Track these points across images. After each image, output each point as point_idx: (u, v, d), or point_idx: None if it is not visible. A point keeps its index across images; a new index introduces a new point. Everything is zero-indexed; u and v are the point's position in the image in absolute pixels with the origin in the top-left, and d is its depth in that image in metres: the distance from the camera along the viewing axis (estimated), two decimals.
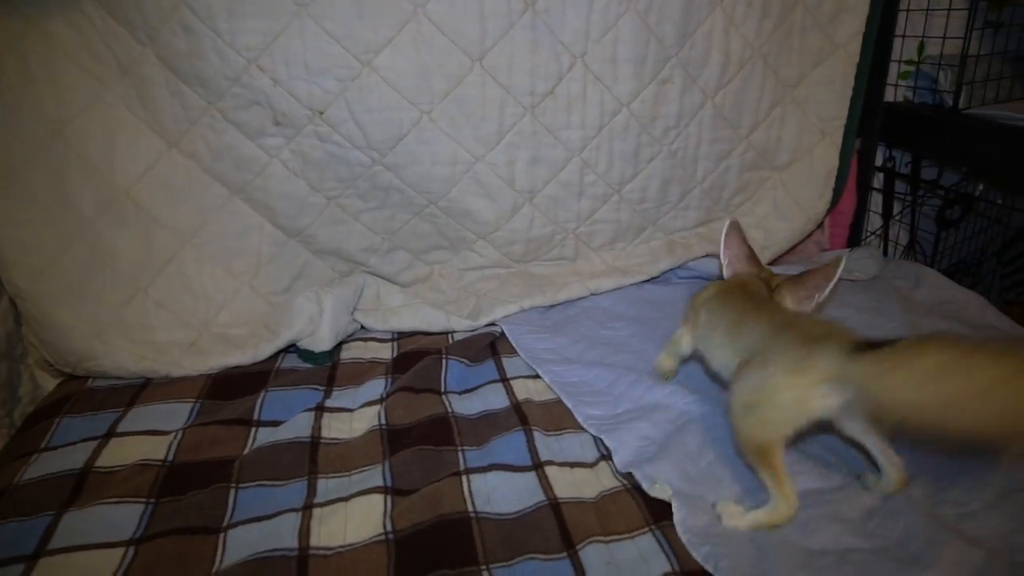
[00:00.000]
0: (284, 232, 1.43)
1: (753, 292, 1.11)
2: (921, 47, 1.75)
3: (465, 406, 1.22)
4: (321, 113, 1.33)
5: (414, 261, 1.54)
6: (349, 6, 1.27)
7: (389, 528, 0.94)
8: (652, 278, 1.63)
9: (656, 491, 0.97)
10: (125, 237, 1.32)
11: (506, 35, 1.36)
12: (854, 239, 1.87)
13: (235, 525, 0.95)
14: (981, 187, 1.88)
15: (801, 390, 0.90)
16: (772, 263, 1.73)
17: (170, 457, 1.09)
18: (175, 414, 1.21)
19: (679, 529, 0.92)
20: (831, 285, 1.08)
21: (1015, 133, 1.49)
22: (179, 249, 1.38)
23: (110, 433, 1.14)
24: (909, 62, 1.77)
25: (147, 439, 1.14)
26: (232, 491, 1.02)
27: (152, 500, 1.00)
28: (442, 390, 1.26)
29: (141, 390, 1.27)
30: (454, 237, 1.52)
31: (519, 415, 1.18)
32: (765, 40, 1.56)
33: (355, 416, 1.20)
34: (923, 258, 1.92)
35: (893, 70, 1.76)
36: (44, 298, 1.24)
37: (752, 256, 1.18)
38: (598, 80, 1.45)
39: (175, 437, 1.13)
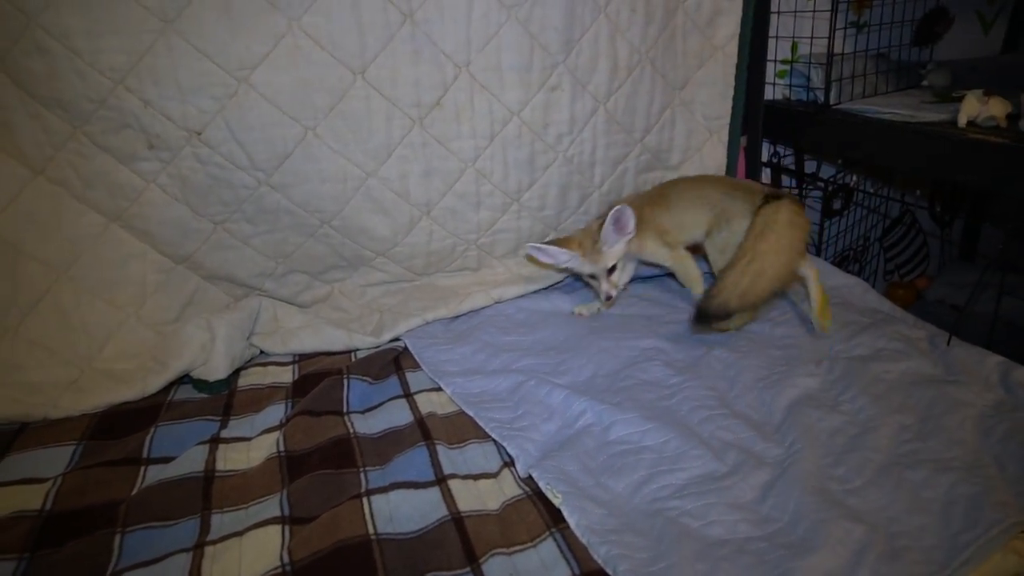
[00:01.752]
0: (170, 259, 1.37)
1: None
2: (795, 47, 1.85)
3: (368, 425, 1.20)
4: (199, 134, 1.27)
5: (312, 282, 1.50)
6: (218, 22, 1.22)
7: (286, 560, 0.91)
8: (556, 283, 1.65)
9: (549, 495, 0.98)
10: None
11: (387, 47, 1.34)
12: None
13: (120, 572, 0.90)
14: (855, 178, 2.00)
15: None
16: None
17: (48, 506, 1.02)
18: (54, 459, 1.13)
19: (576, 532, 0.93)
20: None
21: (880, 125, 1.59)
22: (53, 283, 1.30)
23: None
24: (785, 61, 1.86)
25: (21, 489, 1.06)
26: (118, 536, 0.96)
27: (26, 555, 0.93)
28: (344, 410, 1.24)
29: (16, 436, 1.19)
30: (351, 256, 1.49)
31: (422, 430, 1.17)
32: (651, 45, 1.61)
33: (253, 445, 1.16)
34: (811, 248, 2.03)
35: (771, 70, 1.85)
36: None
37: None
38: (485, 89, 1.45)
39: (54, 484, 1.06)
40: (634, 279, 1.70)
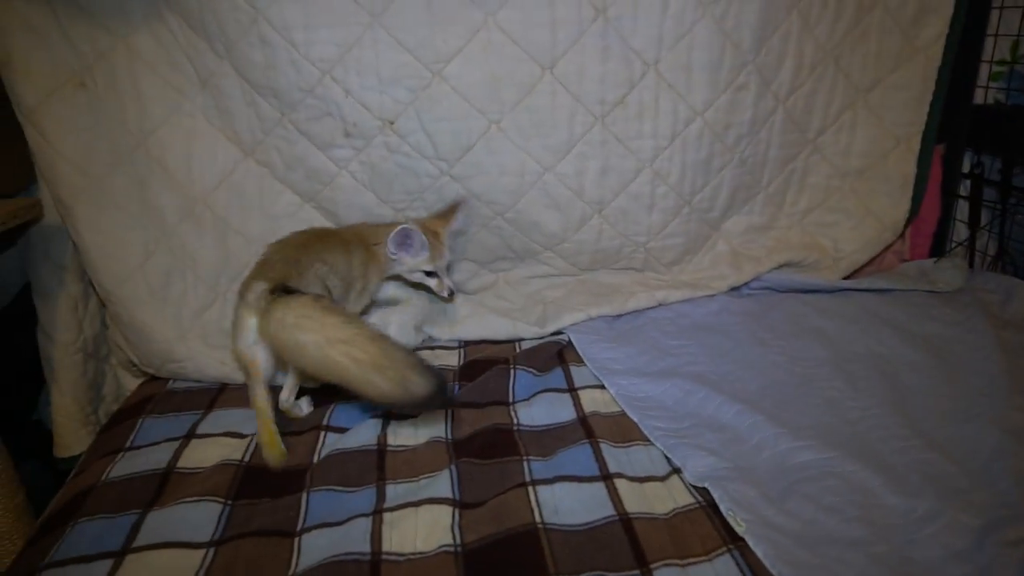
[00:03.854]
0: None
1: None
2: (1015, 46, 1.65)
3: (531, 416, 1.22)
4: (391, 123, 1.34)
5: (479, 270, 1.54)
6: (421, 15, 1.28)
7: (458, 540, 0.94)
8: (720, 292, 1.59)
9: (732, 522, 0.94)
10: (204, 243, 1.37)
11: (577, 43, 1.34)
12: (938, 249, 1.78)
13: (309, 530, 0.97)
14: None
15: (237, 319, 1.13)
16: (850, 276, 1.67)
17: (246, 458, 1.12)
18: (251, 419, 1.22)
19: (765, 562, 0.88)
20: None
21: None
22: (253, 256, 1.40)
23: (191, 434, 1.18)
24: (1001, 63, 1.67)
25: (226, 440, 1.17)
26: (304, 495, 1.04)
27: (229, 501, 1.03)
28: (509, 400, 1.26)
29: (219, 394, 1.31)
30: (520, 248, 1.51)
31: (585, 428, 1.17)
32: (837, 43, 1.51)
33: (419, 422, 1.21)
34: (1012, 269, 1.81)
35: (983, 71, 1.67)
36: (130, 301, 1.29)
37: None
38: (671, 88, 1.41)
39: (251, 440, 1.16)
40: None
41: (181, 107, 1.33)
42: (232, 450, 1.14)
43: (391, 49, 1.29)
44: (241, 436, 1.18)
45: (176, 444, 1.15)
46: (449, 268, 1.40)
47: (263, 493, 1.05)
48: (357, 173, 1.39)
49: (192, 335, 1.33)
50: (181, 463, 1.11)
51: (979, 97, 1.69)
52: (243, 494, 1.05)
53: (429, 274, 1.35)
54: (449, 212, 1.37)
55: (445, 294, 1.37)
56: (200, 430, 1.20)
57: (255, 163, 1.38)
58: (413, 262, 1.32)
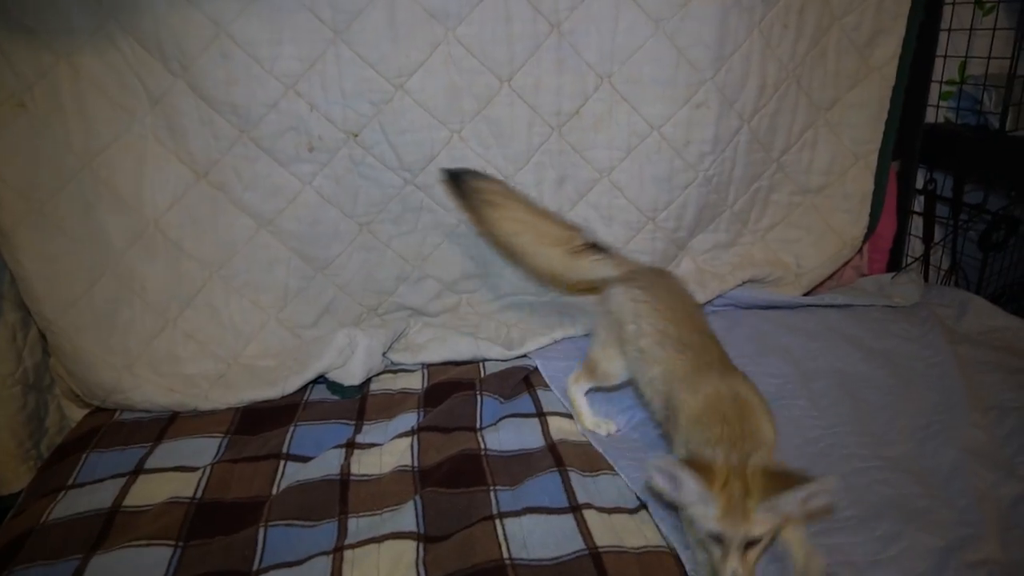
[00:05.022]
0: (311, 266, 1.42)
1: None
2: (963, 67, 1.70)
3: (499, 442, 1.19)
4: (356, 136, 1.33)
5: (443, 290, 1.52)
6: (383, 31, 1.27)
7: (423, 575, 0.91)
8: None
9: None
10: (155, 268, 1.32)
11: (533, 56, 1.36)
12: (894, 264, 1.82)
13: (265, 570, 0.93)
14: None
15: None
16: (811, 291, 1.69)
17: (198, 494, 1.07)
18: (203, 449, 1.19)
19: None
20: None
21: None
22: (207, 280, 1.37)
23: (139, 469, 1.13)
24: (951, 82, 1.72)
25: (176, 476, 1.12)
26: (261, 531, 0.99)
27: (181, 543, 0.98)
28: (477, 426, 1.23)
29: (169, 424, 1.26)
30: (481, 259, 1.50)
31: (554, 455, 1.15)
32: (799, 62, 1.53)
33: (385, 450, 1.18)
34: (965, 283, 1.86)
35: (934, 91, 1.71)
36: (74, 330, 1.23)
37: None
38: (625, 100, 1.43)
39: (203, 473, 1.11)
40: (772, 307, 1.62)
41: (131, 128, 1.28)
42: (183, 485, 1.09)
43: (354, 64, 1.28)
44: (192, 469, 1.13)
45: (123, 481, 1.10)
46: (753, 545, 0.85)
47: (217, 531, 1.01)
48: (321, 187, 1.37)
49: (140, 364, 1.28)
50: (128, 501, 1.06)
51: (930, 116, 1.73)
52: (195, 533, 1.00)
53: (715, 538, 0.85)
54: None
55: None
56: (149, 464, 1.14)
57: (209, 185, 1.34)
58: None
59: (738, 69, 1.45)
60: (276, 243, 1.39)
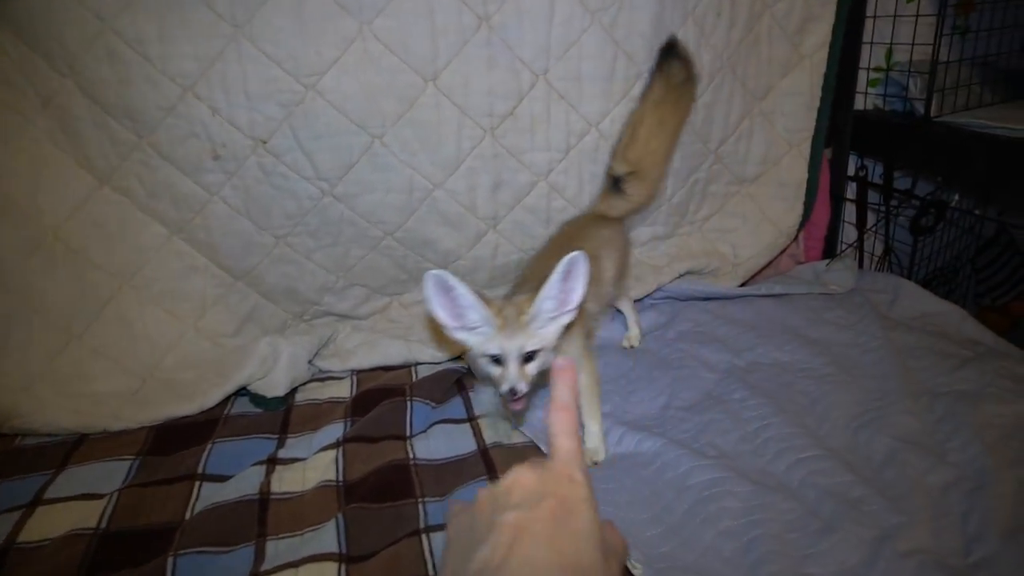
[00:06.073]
0: (230, 274, 1.34)
1: None
2: (889, 54, 1.71)
3: (430, 450, 1.14)
4: (264, 142, 1.24)
5: (371, 295, 1.45)
6: (289, 25, 1.18)
7: None
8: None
9: (630, 566, 0.89)
10: (55, 281, 1.23)
11: (460, 52, 1.28)
12: (829, 251, 1.83)
13: None
14: (957, 196, 1.84)
15: None
16: (748, 281, 1.68)
17: (103, 524, 1.00)
18: (112, 473, 1.11)
19: None
20: None
21: (991, 141, 1.45)
22: (116, 291, 1.28)
23: (37, 500, 1.05)
24: (878, 69, 1.73)
25: (79, 504, 1.04)
26: (171, 560, 0.92)
27: None
28: (407, 435, 1.18)
29: (75, 448, 1.17)
30: (414, 268, 1.43)
31: (486, 461, 1.11)
32: (733, 51, 1.51)
33: (308, 465, 1.11)
34: (899, 268, 1.89)
35: (862, 78, 1.72)
36: None
37: None
38: (562, 99, 1.37)
39: (110, 501, 1.04)
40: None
41: (23, 131, 1.19)
42: (86, 515, 1.01)
43: (258, 62, 1.19)
44: (99, 496, 1.05)
45: (18, 514, 1.01)
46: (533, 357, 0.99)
47: (123, 563, 0.93)
48: (230, 199, 1.28)
49: (41, 384, 1.19)
50: (23, 537, 0.97)
51: (859, 103, 1.74)
52: (98, 567, 0.92)
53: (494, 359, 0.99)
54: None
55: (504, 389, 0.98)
56: (49, 494, 1.06)
57: (112, 191, 1.25)
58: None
59: None
60: (191, 250, 1.31)
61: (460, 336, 1.00)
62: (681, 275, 1.61)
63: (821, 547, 0.91)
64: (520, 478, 0.49)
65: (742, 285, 1.66)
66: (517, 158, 1.39)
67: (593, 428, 1.13)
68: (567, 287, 0.96)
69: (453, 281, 0.93)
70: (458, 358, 1.40)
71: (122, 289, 1.29)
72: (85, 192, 1.23)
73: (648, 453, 1.11)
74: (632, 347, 1.45)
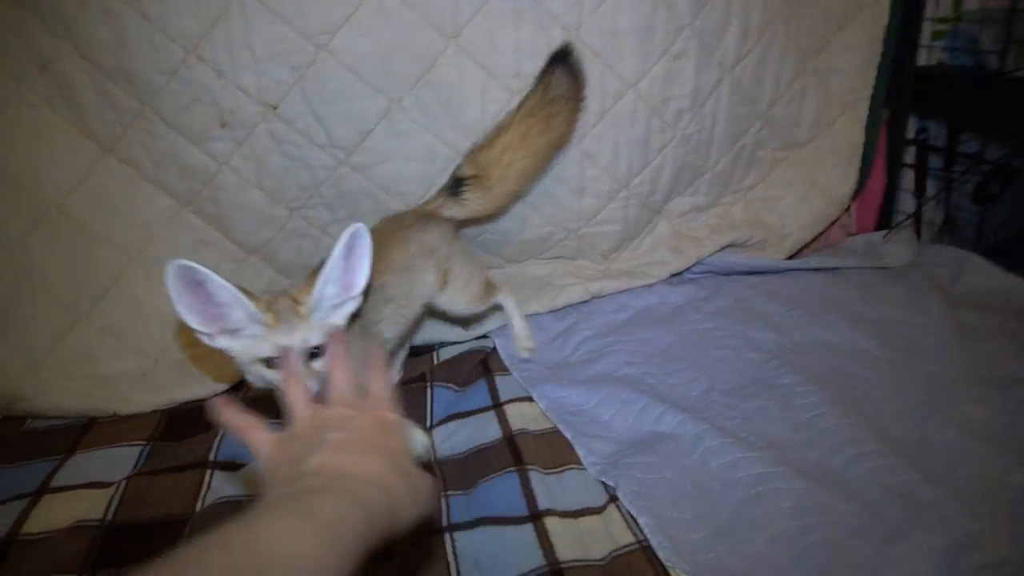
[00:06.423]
0: (243, 248, 1.26)
1: None
2: (958, 2, 1.55)
3: (452, 442, 1.07)
4: (274, 108, 1.15)
5: None
6: None
7: None
8: (662, 279, 1.46)
9: (672, 573, 0.81)
10: (60, 257, 1.17)
11: (483, 7, 1.16)
12: (884, 221, 1.69)
13: None
14: None
15: None
16: (795, 254, 1.56)
17: (109, 516, 0.94)
18: (121, 461, 1.06)
19: None
20: None
21: None
22: (125, 267, 1.22)
23: (43, 488, 1.00)
24: (944, 20, 1.56)
25: (86, 493, 1.00)
26: None
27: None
28: (427, 425, 1.11)
29: (85, 432, 1.13)
30: None
31: (512, 450, 1.03)
32: (785, 2, 1.37)
33: None
34: (961, 241, 1.74)
35: (925, 30, 1.56)
36: None
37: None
38: (597, 57, 1.25)
39: (117, 490, 0.99)
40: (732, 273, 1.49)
41: (20, 96, 1.12)
42: (92, 506, 0.96)
43: (265, 20, 1.09)
44: (106, 485, 1.00)
45: (24, 503, 0.97)
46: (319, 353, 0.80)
47: (127, 558, 0.88)
48: (240, 169, 1.20)
49: (46, 366, 1.14)
50: (27, 528, 0.93)
51: (922, 58, 1.59)
52: (102, 562, 0.88)
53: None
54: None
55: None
56: (56, 481, 1.01)
57: (117, 161, 1.18)
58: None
59: (719, 12, 1.29)
60: (201, 223, 1.24)
61: (221, 343, 0.79)
62: (723, 248, 1.50)
63: (888, 557, 0.82)
64: (342, 410, 0.60)
65: (789, 258, 1.55)
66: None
67: None
68: (350, 266, 0.82)
69: (204, 273, 0.72)
70: (482, 338, 1.32)
71: (130, 265, 1.23)
72: (88, 163, 1.17)
73: (690, 436, 1.02)
74: (530, 351, 1.23)
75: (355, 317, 0.89)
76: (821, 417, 1.05)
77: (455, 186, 1.16)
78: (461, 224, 1.22)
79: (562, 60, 1.15)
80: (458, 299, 1.16)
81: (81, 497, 0.98)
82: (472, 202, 1.17)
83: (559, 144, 1.23)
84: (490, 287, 1.22)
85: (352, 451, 0.54)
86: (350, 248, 0.81)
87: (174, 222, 1.23)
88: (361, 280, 0.84)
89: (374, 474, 0.53)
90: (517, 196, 1.28)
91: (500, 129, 1.15)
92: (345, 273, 0.83)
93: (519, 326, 1.27)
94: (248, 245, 1.26)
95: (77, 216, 1.17)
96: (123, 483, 0.99)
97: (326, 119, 1.17)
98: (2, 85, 1.10)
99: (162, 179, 1.19)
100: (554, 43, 1.22)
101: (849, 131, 1.54)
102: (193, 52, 1.09)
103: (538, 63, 1.22)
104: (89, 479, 1.02)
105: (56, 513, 0.95)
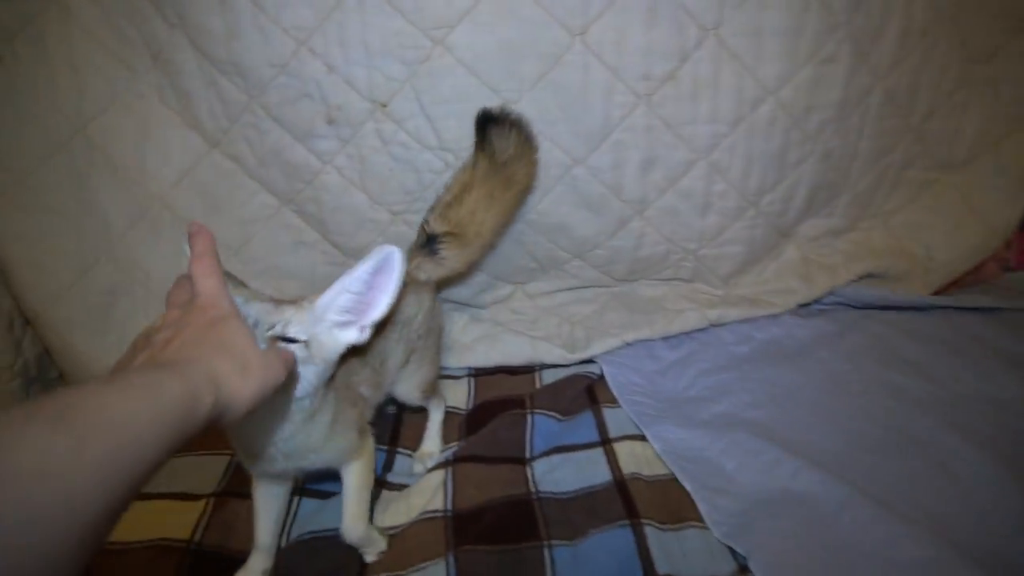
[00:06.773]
0: (341, 251, 1.21)
1: None
2: None
3: (555, 480, 0.97)
4: (384, 106, 1.08)
5: (493, 282, 1.29)
6: None
7: None
8: (791, 309, 1.31)
9: None
10: (161, 252, 1.14)
11: (614, 2, 1.06)
12: None
13: None
14: None
15: None
16: (941, 290, 1.38)
17: (197, 537, 0.89)
18: (208, 472, 1.01)
19: None
20: None
21: None
22: (223, 264, 1.18)
23: None
24: None
25: (172, 506, 0.94)
26: None
27: None
28: (527, 456, 1.01)
29: None
30: (543, 257, 1.25)
31: (624, 498, 0.92)
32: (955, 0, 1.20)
33: (412, 491, 0.97)
34: None
35: None
36: (64, 325, 1.08)
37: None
38: (735, 59, 1.12)
39: (206, 508, 0.93)
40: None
41: (131, 86, 1.09)
42: (180, 522, 0.90)
43: (381, 13, 1.02)
44: (195, 498, 0.95)
45: None
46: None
47: None
48: (344, 169, 1.14)
49: None
50: (114, 535, 0.88)
51: None
52: None
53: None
54: None
55: None
56: (147, 486, 0.97)
57: (223, 156, 1.14)
58: None
59: (877, 11, 1.13)
60: (300, 223, 1.19)
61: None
62: (860, 277, 1.34)
63: None
64: (168, 314, 0.61)
65: (935, 294, 1.36)
66: (675, 131, 1.15)
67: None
68: (375, 284, 0.73)
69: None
70: (589, 361, 1.21)
71: (228, 263, 1.17)
72: (194, 156, 1.13)
73: (832, 503, 0.88)
74: (424, 466, 1.02)
75: (343, 360, 0.78)
76: (995, 492, 0.89)
77: (429, 243, 1.04)
78: (436, 282, 1.09)
79: (487, 127, 1.04)
80: (432, 383, 1.07)
81: (169, 509, 0.93)
82: (451, 260, 1.06)
83: (528, 190, 1.15)
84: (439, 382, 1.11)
85: (174, 346, 0.54)
86: (380, 267, 0.72)
87: (273, 220, 1.18)
88: (381, 307, 0.74)
89: (192, 357, 0.52)
90: (491, 247, 1.20)
91: (464, 186, 1.05)
92: (366, 291, 0.73)
93: (435, 430, 1.08)
94: (346, 248, 1.20)
95: (179, 210, 1.14)
96: (211, 499, 0.94)
97: (437, 119, 1.10)
98: (116, 74, 1.08)
99: (265, 176, 1.15)
100: (688, 45, 1.10)
101: (1017, 152, 1.35)
102: (305, 45, 1.04)
103: (669, 66, 1.10)
104: (177, 488, 0.97)
105: (144, 522, 0.90)
